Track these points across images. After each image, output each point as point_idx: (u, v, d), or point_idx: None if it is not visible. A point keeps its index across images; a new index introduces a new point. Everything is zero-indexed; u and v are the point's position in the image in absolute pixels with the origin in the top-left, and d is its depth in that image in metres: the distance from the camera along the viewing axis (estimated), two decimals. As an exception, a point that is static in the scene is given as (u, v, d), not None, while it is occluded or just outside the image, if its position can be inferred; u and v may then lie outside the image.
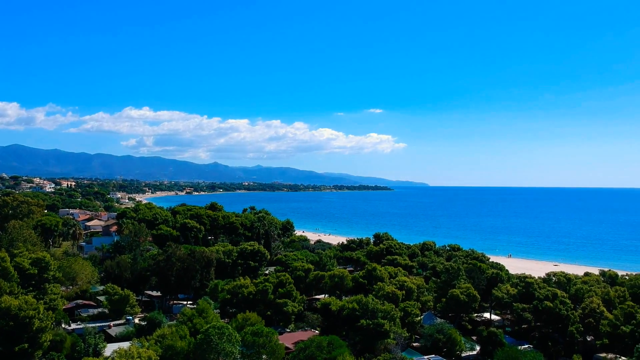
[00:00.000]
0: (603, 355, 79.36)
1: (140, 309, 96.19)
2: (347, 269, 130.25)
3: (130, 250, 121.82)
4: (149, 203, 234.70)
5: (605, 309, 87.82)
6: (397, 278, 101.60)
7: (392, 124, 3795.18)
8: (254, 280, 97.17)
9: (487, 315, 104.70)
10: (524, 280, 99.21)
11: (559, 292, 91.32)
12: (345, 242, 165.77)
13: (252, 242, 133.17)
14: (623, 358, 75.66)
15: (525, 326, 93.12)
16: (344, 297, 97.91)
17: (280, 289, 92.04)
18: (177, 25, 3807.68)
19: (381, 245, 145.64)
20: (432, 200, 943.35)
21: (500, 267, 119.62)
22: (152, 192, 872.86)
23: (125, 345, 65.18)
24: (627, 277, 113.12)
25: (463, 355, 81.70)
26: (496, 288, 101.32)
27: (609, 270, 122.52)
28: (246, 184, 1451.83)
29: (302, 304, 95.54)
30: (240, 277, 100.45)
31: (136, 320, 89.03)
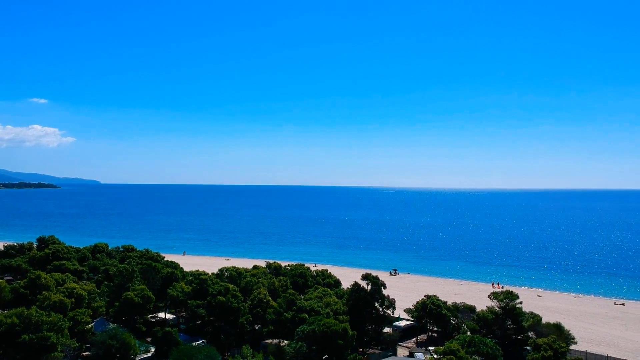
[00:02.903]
0: (269, 341, 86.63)
1: None
2: (6, 278, 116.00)
3: None
4: None
5: (271, 299, 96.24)
6: (65, 285, 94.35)
7: (60, 116, 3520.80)
8: None
9: (162, 315, 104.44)
10: (198, 277, 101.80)
11: (230, 286, 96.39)
12: (2, 249, 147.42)
13: None
14: (286, 341, 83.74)
15: (199, 322, 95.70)
16: (2, 311, 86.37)
17: None
18: None
19: (46, 250, 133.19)
20: (104, 199, 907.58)
21: (176, 266, 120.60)
22: None
23: None
24: (288, 268, 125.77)
25: (138, 358, 79.77)
26: (171, 287, 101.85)
27: (274, 262, 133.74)
28: None
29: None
30: None
31: None
